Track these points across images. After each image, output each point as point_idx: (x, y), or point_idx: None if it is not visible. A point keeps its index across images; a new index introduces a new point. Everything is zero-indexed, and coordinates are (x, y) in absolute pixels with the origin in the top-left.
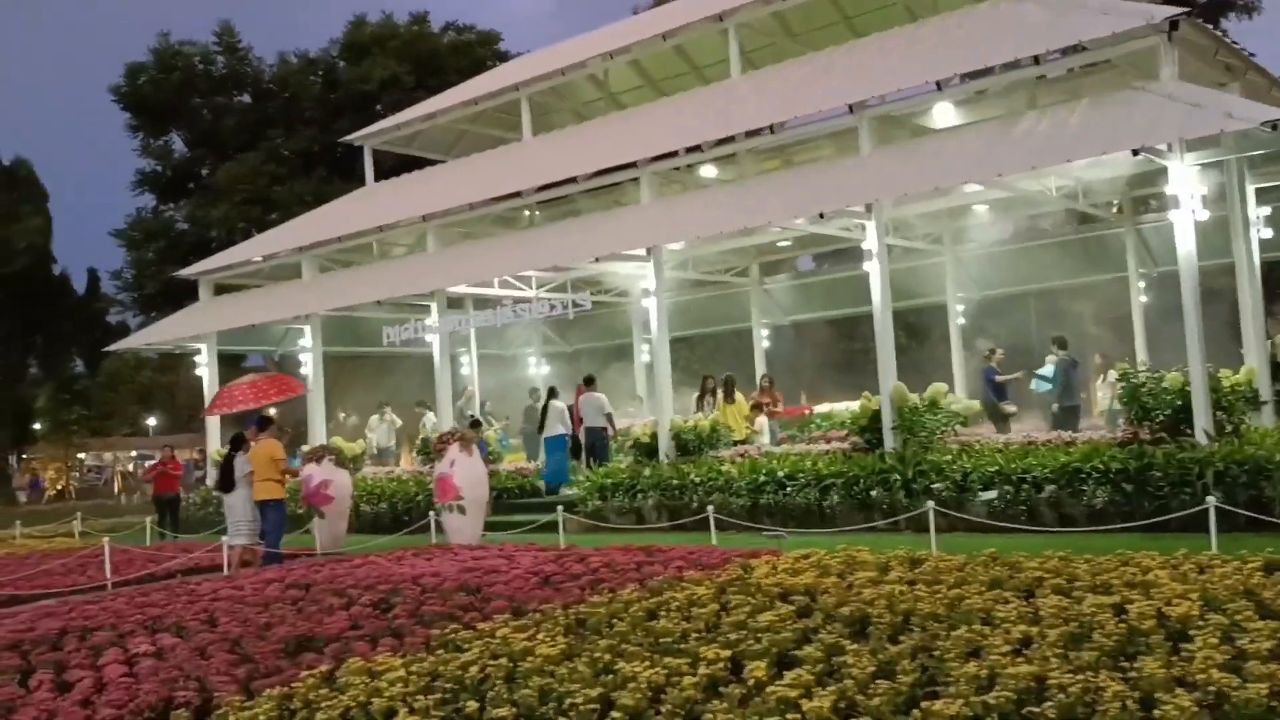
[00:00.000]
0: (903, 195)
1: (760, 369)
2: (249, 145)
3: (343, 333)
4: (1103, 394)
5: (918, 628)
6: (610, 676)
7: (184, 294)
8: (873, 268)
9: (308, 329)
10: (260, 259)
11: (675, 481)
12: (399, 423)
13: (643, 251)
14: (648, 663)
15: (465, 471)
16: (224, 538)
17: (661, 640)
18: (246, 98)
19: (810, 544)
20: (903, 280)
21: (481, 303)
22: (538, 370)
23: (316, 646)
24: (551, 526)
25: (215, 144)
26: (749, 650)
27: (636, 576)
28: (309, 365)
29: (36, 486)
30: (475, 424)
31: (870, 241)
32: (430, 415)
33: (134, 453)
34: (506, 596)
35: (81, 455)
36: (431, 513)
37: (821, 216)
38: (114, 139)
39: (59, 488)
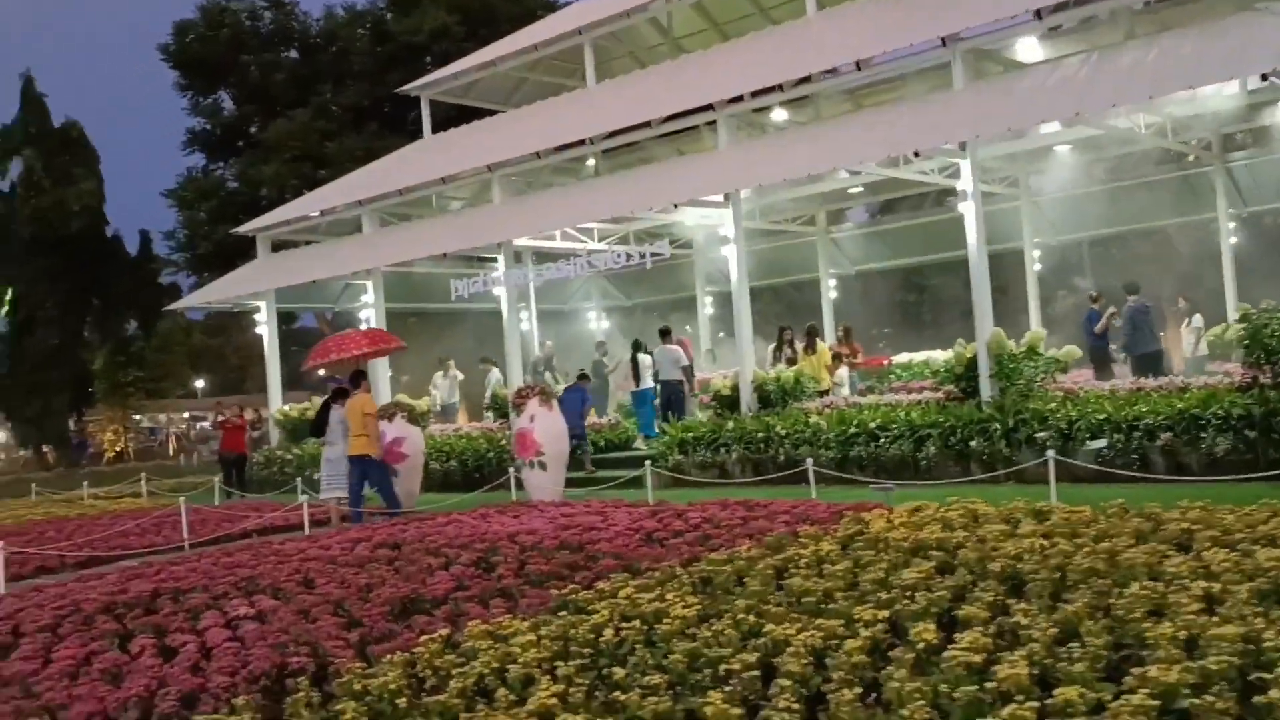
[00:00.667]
0: (1006, 131)
1: (828, 319)
2: (298, 102)
3: (400, 288)
4: (1187, 340)
5: (1078, 585)
6: (760, 640)
7: (236, 254)
8: (967, 208)
9: (369, 284)
10: (318, 214)
11: (760, 434)
12: (461, 377)
13: (720, 197)
14: (797, 625)
15: (545, 426)
16: (303, 497)
17: (803, 600)
18: (294, 54)
19: (914, 497)
20: None
21: (543, 257)
22: (598, 325)
23: (424, 608)
24: (629, 482)
25: (264, 101)
26: (905, 610)
27: (745, 532)
28: (370, 322)
29: (84, 448)
30: (584, 376)
31: (965, 181)
32: (495, 371)
33: (186, 414)
34: (614, 555)
35: (137, 417)
36: (511, 469)
37: (916, 155)
38: (162, 99)
39: (118, 449)
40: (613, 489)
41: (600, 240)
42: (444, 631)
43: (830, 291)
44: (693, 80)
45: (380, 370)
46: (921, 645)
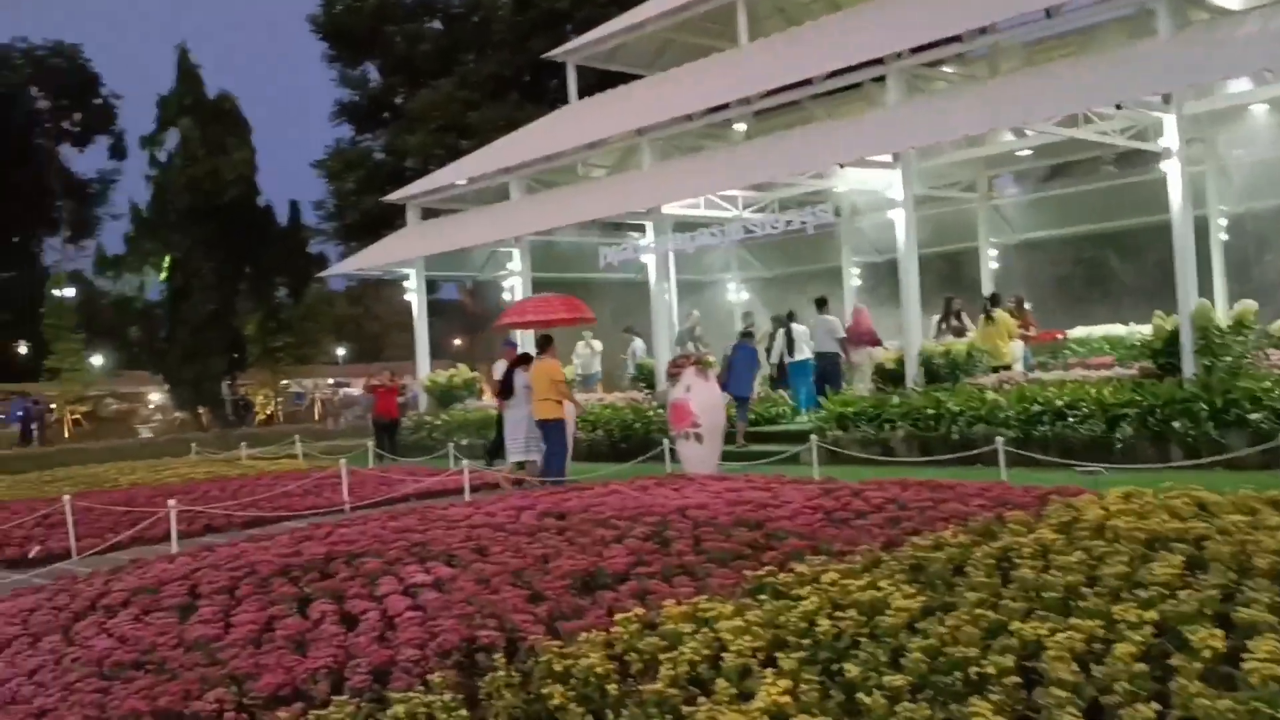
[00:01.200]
0: (1222, 79)
1: (988, 291)
2: (441, 72)
3: (542, 257)
4: None
5: None
6: (1008, 640)
7: (381, 223)
8: (1171, 167)
9: (515, 252)
10: (464, 182)
11: (930, 411)
12: (600, 347)
13: (889, 157)
14: (1048, 624)
15: (702, 397)
16: (464, 463)
17: (1043, 595)
18: (437, 24)
19: (1115, 482)
20: (1147, 192)
21: (682, 226)
22: (737, 296)
23: (605, 583)
24: (785, 459)
25: (409, 72)
26: (1172, 612)
27: (938, 515)
28: (515, 290)
29: (249, 409)
30: (748, 333)
31: (1169, 138)
32: (638, 342)
33: (330, 380)
34: (798, 534)
35: (285, 381)
36: (666, 440)
37: (1118, 108)
38: (305, 72)
39: (268, 412)
40: (769, 464)
41: (744, 209)
42: (638, 610)
43: (990, 262)
44: (854, 36)
45: (526, 340)
46: (1208, 653)
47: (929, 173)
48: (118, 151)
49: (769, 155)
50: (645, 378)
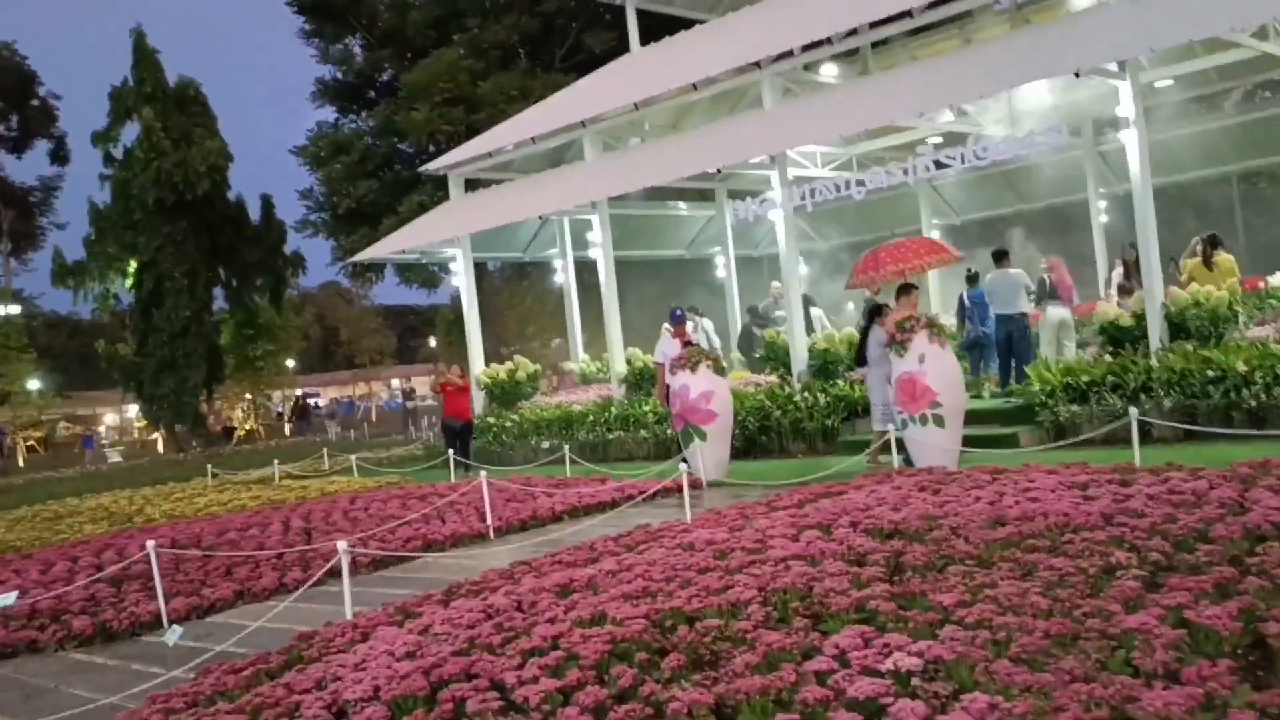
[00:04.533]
0: None
1: (1099, 245)
2: (437, 43)
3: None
4: None
5: None
6: None
7: (379, 212)
8: None
9: (594, 220)
10: (512, 146)
11: (1209, 374)
12: (710, 326)
13: (1113, 66)
14: None
15: (939, 368)
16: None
17: None
18: None
19: None
20: None
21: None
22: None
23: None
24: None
25: (399, 44)
26: None
27: None
28: (566, 271)
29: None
30: (974, 277)
31: None
32: (705, 321)
33: (299, 390)
34: None
35: (269, 393)
36: (890, 427)
37: None
38: (262, 54)
39: (248, 428)
40: (998, 454)
41: (823, 167)
42: None
43: (1100, 215)
44: None
45: (611, 321)
46: None
47: (1024, 115)
48: (59, 156)
49: (933, 81)
50: (777, 356)
